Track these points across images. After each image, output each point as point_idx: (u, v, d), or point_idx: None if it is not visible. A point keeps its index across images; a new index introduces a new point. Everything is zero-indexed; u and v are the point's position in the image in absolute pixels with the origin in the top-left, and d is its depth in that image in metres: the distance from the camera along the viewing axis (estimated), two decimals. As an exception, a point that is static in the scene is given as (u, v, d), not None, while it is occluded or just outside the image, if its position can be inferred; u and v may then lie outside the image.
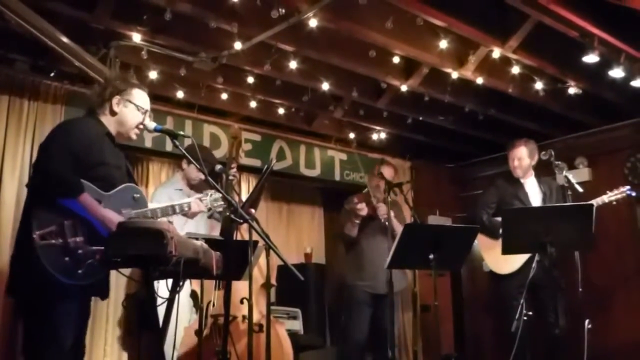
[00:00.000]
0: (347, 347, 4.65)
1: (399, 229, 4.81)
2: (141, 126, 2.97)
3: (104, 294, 2.84)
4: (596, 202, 4.45)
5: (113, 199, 2.72)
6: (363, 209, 4.62)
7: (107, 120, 2.90)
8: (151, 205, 2.96)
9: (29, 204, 2.57)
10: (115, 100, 2.89)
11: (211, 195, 3.24)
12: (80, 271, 2.51)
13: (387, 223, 4.69)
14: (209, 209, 3.27)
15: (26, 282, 2.52)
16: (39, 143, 4.38)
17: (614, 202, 4.51)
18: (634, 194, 4.54)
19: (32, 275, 2.45)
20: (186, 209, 3.12)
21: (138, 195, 2.90)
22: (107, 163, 2.81)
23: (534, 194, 4.69)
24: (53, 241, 2.45)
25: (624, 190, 4.50)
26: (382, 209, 4.71)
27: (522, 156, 4.69)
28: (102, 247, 2.52)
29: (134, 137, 3.00)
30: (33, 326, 2.56)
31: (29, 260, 2.42)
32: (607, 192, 4.51)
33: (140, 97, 2.98)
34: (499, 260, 4.31)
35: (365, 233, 4.80)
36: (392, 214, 4.70)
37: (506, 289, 4.48)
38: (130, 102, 2.92)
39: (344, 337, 4.74)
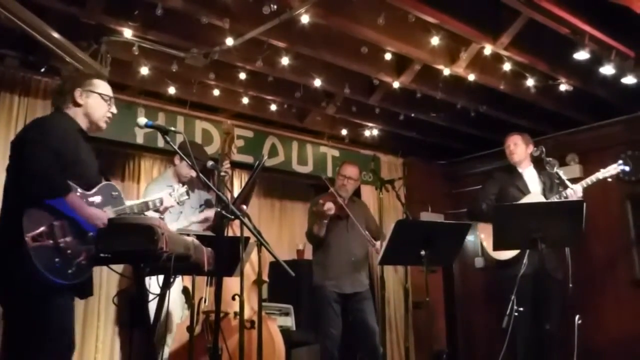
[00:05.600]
0: (325, 346, 4.67)
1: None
2: (109, 114, 2.95)
3: (85, 293, 2.78)
4: (590, 180, 4.46)
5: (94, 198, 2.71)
6: (331, 208, 4.64)
7: (73, 113, 2.87)
8: (128, 203, 2.97)
9: (15, 205, 2.50)
10: (77, 92, 2.86)
11: (177, 190, 3.43)
12: (70, 271, 2.49)
13: (350, 217, 4.73)
14: (178, 203, 3.46)
15: (15, 283, 2.46)
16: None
17: (609, 179, 4.51)
18: (627, 168, 4.53)
19: (22, 277, 2.41)
20: (158, 204, 3.26)
21: (116, 193, 2.89)
22: (83, 160, 2.79)
23: (534, 184, 4.68)
24: (45, 243, 2.42)
25: (616, 166, 4.50)
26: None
27: (518, 142, 4.74)
28: (90, 246, 2.54)
29: (103, 126, 2.97)
30: (24, 326, 2.51)
31: (20, 261, 2.38)
32: (600, 169, 4.52)
33: (102, 85, 2.96)
34: None
35: (331, 233, 4.81)
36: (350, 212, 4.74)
37: (506, 279, 4.44)
38: (92, 91, 2.90)
39: (321, 335, 4.75)
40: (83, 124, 2.88)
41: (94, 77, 2.98)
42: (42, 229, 2.43)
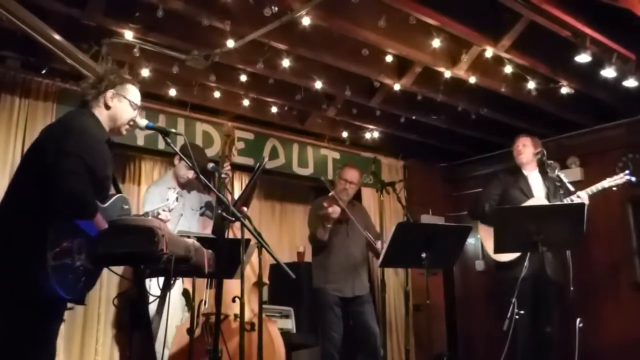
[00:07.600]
0: (326, 349, 4.66)
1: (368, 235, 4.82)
2: (132, 122, 2.93)
3: (82, 302, 2.73)
4: (595, 187, 4.45)
5: (107, 210, 2.67)
6: (335, 212, 4.61)
7: (100, 113, 2.83)
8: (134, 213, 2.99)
9: (38, 213, 2.40)
10: (109, 94, 2.83)
11: (171, 198, 3.73)
12: (78, 287, 2.47)
13: (351, 219, 4.70)
14: (170, 210, 3.72)
15: (22, 294, 2.41)
16: (29, 141, 4.39)
17: (614, 188, 4.51)
18: (633, 179, 4.52)
19: (33, 290, 2.36)
20: (155, 214, 3.50)
21: (127, 206, 2.87)
22: (108, 176, 2.78)
23: (538, 188, 4.67)
24: (64, 261, 2.37)
25: (624, 175, 4.48)
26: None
27: (527, 143, 4.74)
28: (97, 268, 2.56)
29: (124, 132, 2.95)
30: (27, 338, 2.47)
31: (36, 275, 2.32)
32: (607, 178, 4.51)
33: (134, 92, 2.94)
34: None
35: (332, 236, 4.78)
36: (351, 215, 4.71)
37: (506, 281, 4.43)
38: (124, 97, 2.87)
39: (322, 339, 4.74)
40: (106, 126, 2.85)
41: (129, 82, 2.94)
42: (64, 245, 2.38)
